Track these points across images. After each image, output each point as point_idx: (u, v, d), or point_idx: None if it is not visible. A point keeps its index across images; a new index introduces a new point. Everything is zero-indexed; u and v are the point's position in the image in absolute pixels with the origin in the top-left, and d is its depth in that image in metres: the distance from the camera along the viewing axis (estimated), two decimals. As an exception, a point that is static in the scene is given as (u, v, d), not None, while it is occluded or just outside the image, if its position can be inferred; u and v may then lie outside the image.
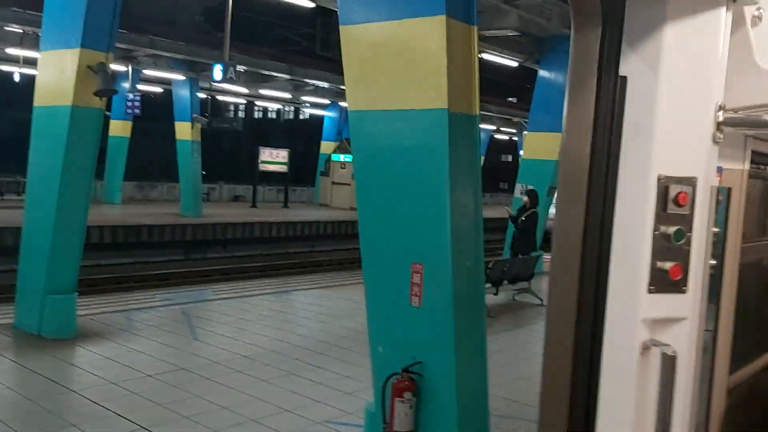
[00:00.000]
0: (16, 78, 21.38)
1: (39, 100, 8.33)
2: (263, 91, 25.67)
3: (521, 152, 32.12)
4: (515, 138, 37.44)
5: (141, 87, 23.34)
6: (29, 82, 20.97)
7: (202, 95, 25.41)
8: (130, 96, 21.78)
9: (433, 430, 4.58)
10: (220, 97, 29.36)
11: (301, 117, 45.12)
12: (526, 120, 27.10)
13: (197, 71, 22.12)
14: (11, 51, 18.52)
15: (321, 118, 31.15)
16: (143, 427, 5.60)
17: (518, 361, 8.21)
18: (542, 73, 15.43)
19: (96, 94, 7.87)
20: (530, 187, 14.06)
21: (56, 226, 8.10)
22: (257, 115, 47.46)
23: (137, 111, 22.06)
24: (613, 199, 1.78)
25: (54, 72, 8.07)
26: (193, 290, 11.68)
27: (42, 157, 8.27)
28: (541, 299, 12.00)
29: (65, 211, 8.14)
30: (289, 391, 6.71)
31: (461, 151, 4.56)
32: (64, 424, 5.61)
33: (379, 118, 4.73)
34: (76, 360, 7.41)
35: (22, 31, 16.89)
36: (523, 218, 12.65)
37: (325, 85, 25.54)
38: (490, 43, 14.11)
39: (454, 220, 4.45)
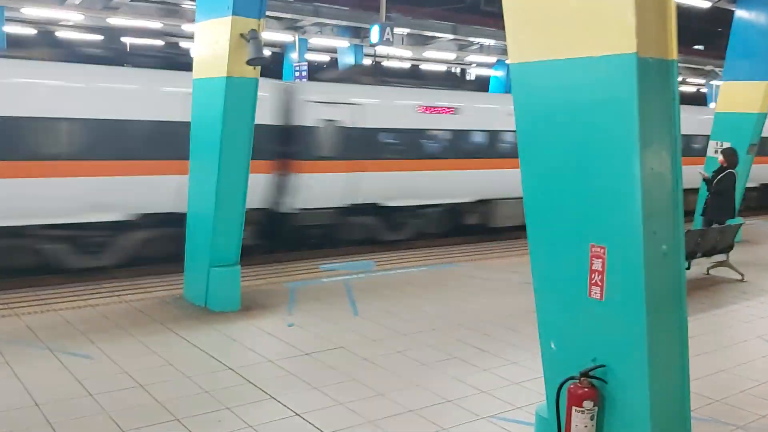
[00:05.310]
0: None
1: (197, 72, 8.24)
2: (427, 53, 25.08)
3: (711, 104, 28.96)
4: (703, 89, 33.81)
5: (309, 56, 23.60)
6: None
7: (368, 61, 25.33)
8: (297, 66, 22.05)
9: (619, 446, 3.78)
10: (385, 63, 29.11)
11: (467, 78, 44.07)
12: (718, 68, 24.19)
13: (361, 37, 21.98)
14: (187, 27, 19.37)
15: (487, 79, 29.95)
16: (297, 413, 5.31)
17: (717, 350, 7.04)
18: (740, 12, 13.36)
19: (248, 63, 7.62)
20: (726, 144, 12.32)
21: (218, 198, 8.06)
22: (424, 78, 47.07)
23: (305, 80, 22.33)
24: None
25: (209, 43, 7.92)
26: (354, 260, 11.43)
27: (202, 130, 8.24)
28: (742, 274, 10.43)
29: (226, 183, 8.05)
30: (452, 377, 6.16)
31: (654, 106, 3.63)
32: (218, 405, 5.45)
33: (547, 70, 3.90)
34: (237, 335, 7.34)
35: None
36: (719, 179, 11.07)
37: (492, 42, 24.40)
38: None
39: (646, 192, 3.56)
